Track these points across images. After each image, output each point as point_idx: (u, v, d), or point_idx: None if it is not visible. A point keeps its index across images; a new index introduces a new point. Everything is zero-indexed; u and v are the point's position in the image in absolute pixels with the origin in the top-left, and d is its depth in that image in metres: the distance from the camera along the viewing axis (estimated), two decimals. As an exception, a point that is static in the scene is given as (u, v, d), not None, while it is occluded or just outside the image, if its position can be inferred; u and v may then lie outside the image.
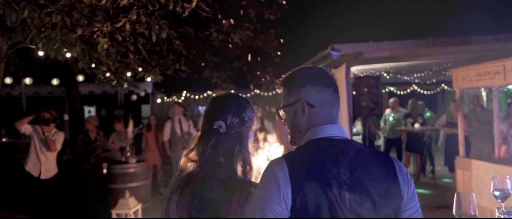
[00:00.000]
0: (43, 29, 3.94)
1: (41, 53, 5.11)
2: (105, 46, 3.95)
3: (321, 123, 1.70)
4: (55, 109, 13.83)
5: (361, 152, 1.64)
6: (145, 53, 4.24)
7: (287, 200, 1.51)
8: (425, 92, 16.37)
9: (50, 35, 4.04)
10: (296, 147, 1.73)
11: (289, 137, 1.83)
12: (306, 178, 1.52)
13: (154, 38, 3.68)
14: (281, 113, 1.83)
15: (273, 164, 1.60)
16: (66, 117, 7.72)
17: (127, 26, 3.77)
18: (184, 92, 17.32)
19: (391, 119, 10.48)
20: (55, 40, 3.97)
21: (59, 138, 7.07)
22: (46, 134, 6.89)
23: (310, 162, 1.56)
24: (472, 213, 1.86)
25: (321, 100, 1.71)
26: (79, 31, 3.87)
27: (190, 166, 1.88)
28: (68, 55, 5.87)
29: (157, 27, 3.67)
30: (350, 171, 1.56)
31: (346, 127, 7.23)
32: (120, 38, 3.98)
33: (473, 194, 1.81)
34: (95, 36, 3.92)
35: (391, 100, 10.77)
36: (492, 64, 5.93)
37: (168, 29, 3.77)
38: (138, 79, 10.85)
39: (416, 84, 15.61)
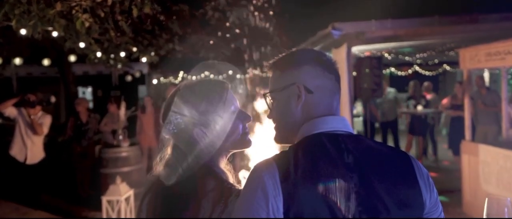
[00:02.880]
0: (18, 5, 3.60)
1: (23, 31, 4.77)
2: (87, 23, 3.62)
3: (320, 114, 1.36)
4: (48, 90, 13.60)
5: (371, 150, 1.30)
6: (129, 31, 3.90)
7: (277, 214, 1.17)
8: (427, 73, 16.05)
9: (28, 11, 3.71)
10: (288, 145, 1.37)
11: (275, 132, 1.48)
12: (303, 185, 1.18)
13: (134, 13, 3.35)
14: (269, 100, 1.47)
15: (259, 168, 1.25)
16: (53, 99, 7.40)
17: (109, 1, 3.44)
18: (181, 73, 16.96)
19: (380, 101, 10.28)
20: (30, 16, 3.63)
21: (46, 121, 6.76)
22: (32, 117, 6.58)
23: (308, 165, 1.21)
24: (507, 219, 1.52)
25: (322, 86, 1.37)
26: (59, 6, 3.54)
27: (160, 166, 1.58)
28: (55, 34, 5.55)
29: (139, 0, 3.33)
30: (359, 174, 1.23)
31: (346, 109, 6.97)
32: (102, 14, 3.65)
33: (508, 199, 1.49)
34: (74, 11, 3.59)
35: None
36: (503, 43, 5.61)
37: (151, 4, 3.42)
38: (132, 59, 10.52)
39: (418, 65, 15.30)
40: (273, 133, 1.50)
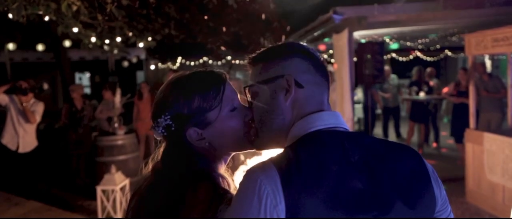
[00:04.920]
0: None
1: (10, 15, 4.55)
2: (75, 7, 3.43)
3: (313, 110, 1.18)
4: (45, 76, 13.38)
5: (376, 147, 1.14)
6: (118, 14, 3.69)
7: None
8: (428, 58, 15.86)
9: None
10: (281, 147, 1.19)
11: (257, 135, 1.28)
12: (309, 190, 1.00)
13: (122, -6, 3.16)
14: (249, 95, 1.28)
15: (255, 173, 1.06)
16: (45, 86, 7.17)
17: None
18: (179, 58, 16.73)
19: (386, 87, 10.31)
20: (14, -2, 3.43)
21: (39, 109, 6.57)
22: (24, 104, 6.38)
23: (313, 166, 1.03)
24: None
25: (313, 81, 1.20)
26: (43, -11, 3.33)
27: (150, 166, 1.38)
28: (45, 18, 5.35)
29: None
30: (368, 174, 1.07)
31: (347, 96, 6.81)
32: (91, -3, 3.46)
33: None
34: (60, -7, 3.40)
35: None
36: (511, 29, 5.42)
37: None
38: (129, 45, 10.32)
39: (419, 50, 15.11)
40: (254, 136, 1.30)
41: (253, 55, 1.28)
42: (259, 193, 1.01)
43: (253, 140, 1.30)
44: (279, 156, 1.09)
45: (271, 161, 1.07)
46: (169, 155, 1.33)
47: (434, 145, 10.13)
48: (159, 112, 1.32)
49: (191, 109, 1.28)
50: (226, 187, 1.29)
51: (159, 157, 1.36)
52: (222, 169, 1.38)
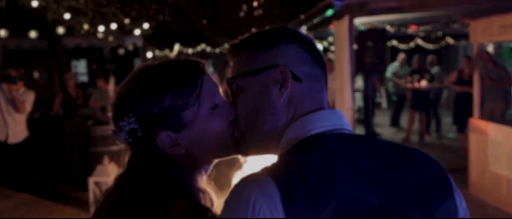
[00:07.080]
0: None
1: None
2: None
3: (313, 109, 0.98)
4: (41, 64, 13.15)
5: (389, 154, 0.94)
6: (104, -1, 3.50)
7: None
8: (429, 46, 15.66)
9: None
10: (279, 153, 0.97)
11: (244, 138, 1.05)
12: (315, 209, 0.80)
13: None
14: (234, 89, 1.05)
15: (247, 187, 0.84)
16: (35, 75, 6.95)
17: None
18: (177, 46, 16.54)
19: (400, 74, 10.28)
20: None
21: (29, 98, 6.39)
22: (13, 93, 6.19)
23: (320, 177, 0.84)
24: None
25: (311, 73, 0.99)
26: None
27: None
28: (34, 4, 5.16)
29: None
30: (384, 186, 0.87)
31: (347, 85, 6.64)
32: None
33: None
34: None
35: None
36: (519, 15, 5.24)
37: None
38: (125, 32, 10.16)
39: (420, 38, 14.91)
40: (239, 140, 1.08)
41: (236, 41, 1.06)
42: (252, 214, 0.80)
43: (238, 145, 1.08)
44: (276, 166, 0.89)
45: (266, 171, 0.86)
46: (136, 167, 1.09)
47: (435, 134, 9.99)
48: (121, 112, 1.07)
49: (161, 108, 1.05)
50: (208, 204, 1.08)
51: (125, 168, 1.12)
52: (203, 181, 1.15)
